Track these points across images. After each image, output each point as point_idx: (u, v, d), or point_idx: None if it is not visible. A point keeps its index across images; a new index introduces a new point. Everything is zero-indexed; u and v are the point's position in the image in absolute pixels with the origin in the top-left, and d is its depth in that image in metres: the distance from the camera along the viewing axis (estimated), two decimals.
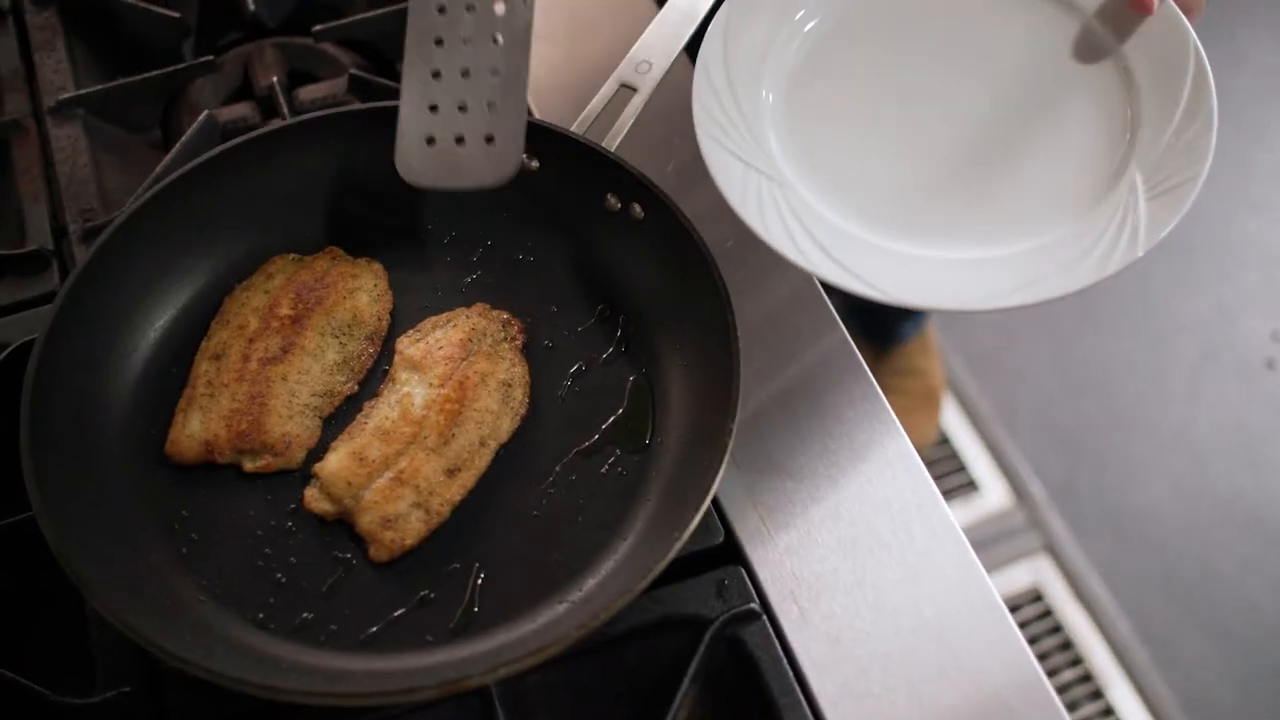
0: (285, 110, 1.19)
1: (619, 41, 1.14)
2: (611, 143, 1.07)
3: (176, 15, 1.26)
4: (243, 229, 1.08)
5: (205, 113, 1.17)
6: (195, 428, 0.98)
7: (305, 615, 0.92)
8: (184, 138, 1.15)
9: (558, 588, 0.93)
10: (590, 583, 0.93)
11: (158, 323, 1.04)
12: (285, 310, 1.03)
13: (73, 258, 1.12)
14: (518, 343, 1.02)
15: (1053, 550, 2.25)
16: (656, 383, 1.02)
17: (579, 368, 1.04)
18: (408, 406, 0.98)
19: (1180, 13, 1.02)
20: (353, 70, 1.21)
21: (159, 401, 1.01)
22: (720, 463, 0.91)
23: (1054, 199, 0.99)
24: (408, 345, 1.02)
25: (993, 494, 2.31)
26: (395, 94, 1.15)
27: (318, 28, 1.25)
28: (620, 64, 1.11)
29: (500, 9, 1.01)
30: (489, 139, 1.01)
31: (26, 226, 1.13)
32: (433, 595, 0.93)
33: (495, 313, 1.04)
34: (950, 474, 2.33)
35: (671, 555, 0.87)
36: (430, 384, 0.99)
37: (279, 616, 0.92)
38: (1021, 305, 0.93)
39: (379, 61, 1.31)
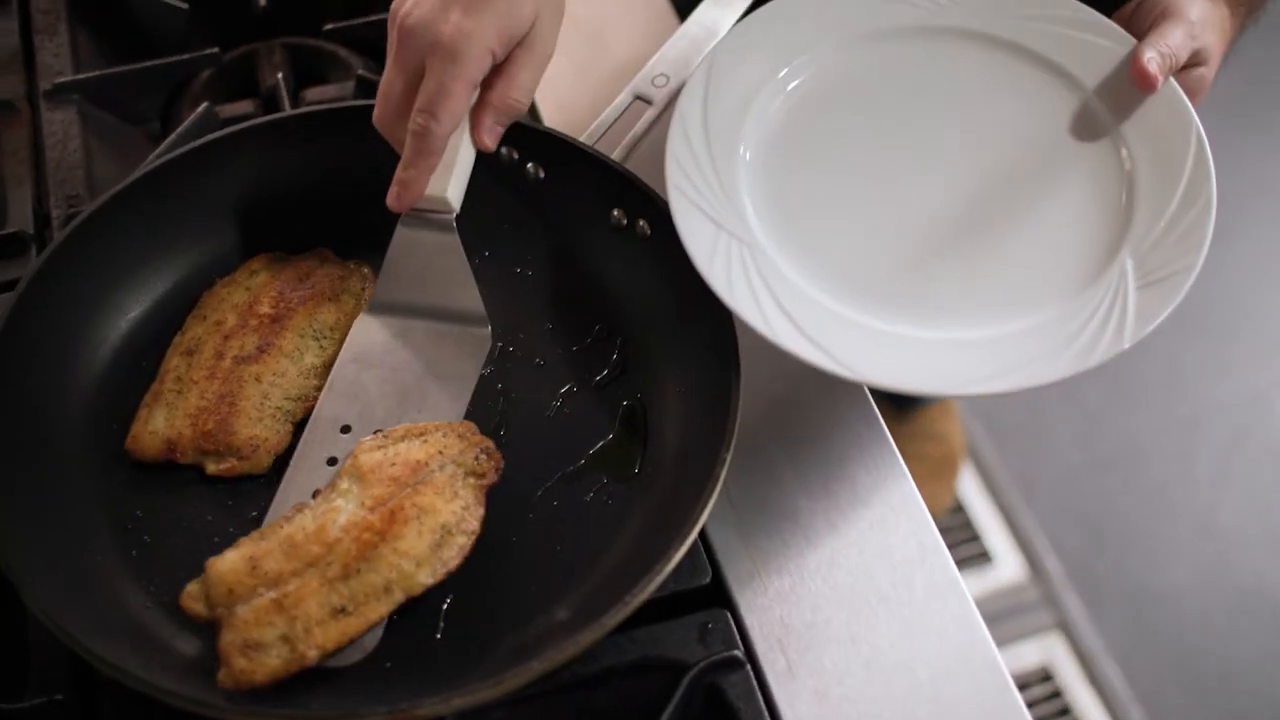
0: (288, 108, 1.14)
1: (638, 55, 1.10)
2: (621, 156, 1.02)
3: (184, 6, 1.23)
4: (230, 222, 1.03)
5: (204, 104, 1.13)
6: (159, 424, 0.93)
7: None
8: (180, 129, 1.11)
9: (528, 618, 0.86)
10: (562, 615, 0.86)
11: (131, 313, 0.99)
12: (265, 309, 0.97)
13: None
14: (485, 482, 0.89)
15: (1066, 629, 2.17)
16: (651, 409, 0.96)
17: (570, 389, 0.98)
18: (328, 523, 0.84)
19: (1183, 95, 0.97)
20: (360, 72, 1.16)
21: (125, 395, 0.96)
22: (710, 495, 0.85)
23: (1039, 282, 0.93)
24: (365, 451, 0.88)
25: (1006, 567, 2.23)
26: None
27: (328, 27, 1.21)
28: (636, 76, 1.06)
29: None
30: None
31: (9, 209, 1.09)
32: (396, 617, 0.86)
33: (477, 438, 0.91)
34: (963, 543, 2.25)
35: (650, 590, 0.82)
36: (362, 503, 0.85)
37: None
38: (997, 393, 0.87)
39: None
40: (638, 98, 1.05)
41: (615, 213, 1.01)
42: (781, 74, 1.03)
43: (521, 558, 0.89)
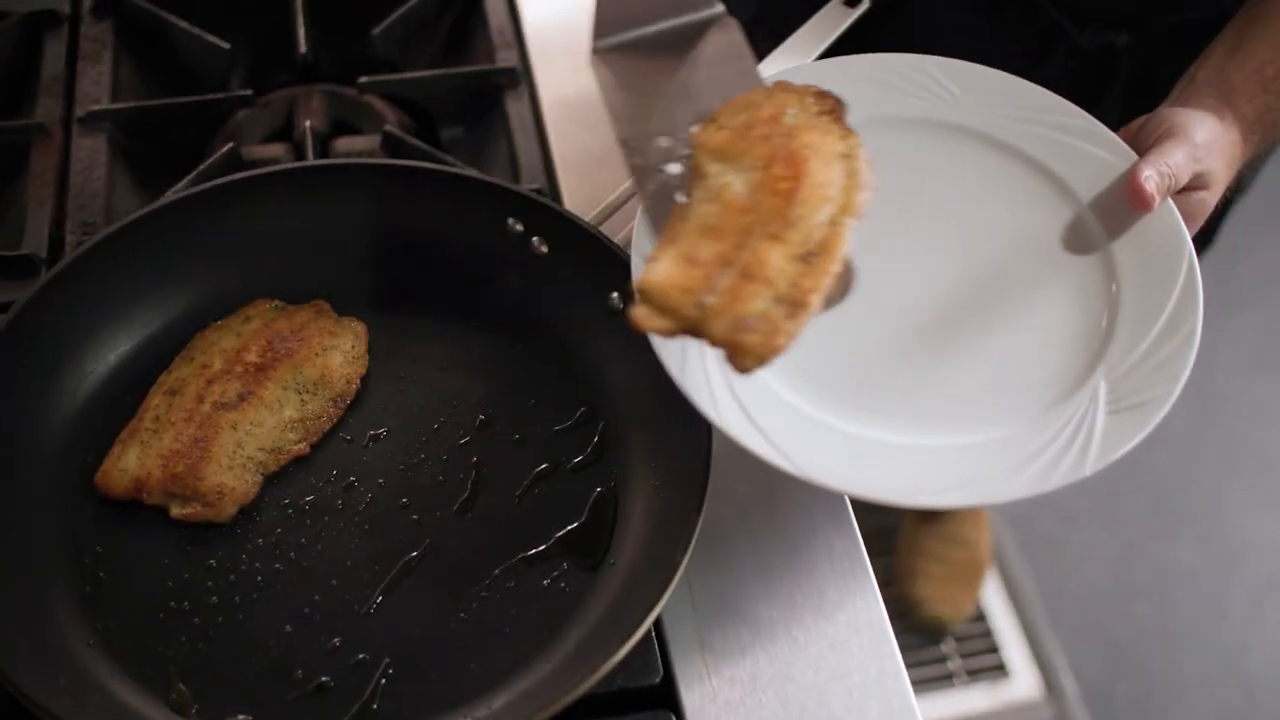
0: (311, 157, 1.15)
1: None
2: (626, 238, 1.01)
3: (226, 46, 1.24)
4: (231, 266, 1.03)
5: (230, 145, 1.14)
6: (131, 462, 0.93)
7: (188, 683, 0.85)
8: (202, 166, 1.12)
9: (466, 700, 0.85)
10: (501, 701, 0.85)
11: (121, 348, 1.00)
12: (252, 357, 0.97)
13: None
14: (837, 112, 0.86)
15: None
16: (622, 499, 0.95)
17: (545, 469, 0.97)
18: (729, 197, 0.81)
19: (1180, 218, 0.94)
20: (387, 128, 1.17)
21: (104, 428, 0.96)
22: (661, 596, 0.83)
23: (1004, 396, 0.90)
24: (708, 134, 0.86)
25: (1022, 682, 2.17)
26: (424, 156, 1.12)
27: (362, 80, 1.21)
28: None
29: None
30: None
31: (26, 230, 1.10)
32: (332, 684, 0.86)
33: (798, 87, 0.88)
34: (980, 654, 2.20)
35: (591, 683, 0.81)
36: (753, 167, 0.82)
37: (160, 673, 0.85)
38: (946, 507, 0.84)
39: (424, 123, 1.27)
40: None
41: (613, 295, 1.00)
42: None
43: (467, 635, 0.88)
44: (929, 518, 2.17)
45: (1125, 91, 1.32)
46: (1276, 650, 2.26)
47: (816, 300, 0.76)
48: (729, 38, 0.95)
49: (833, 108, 0.86)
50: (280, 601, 0.89)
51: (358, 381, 1.00)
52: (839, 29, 1.11)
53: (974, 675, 2.17)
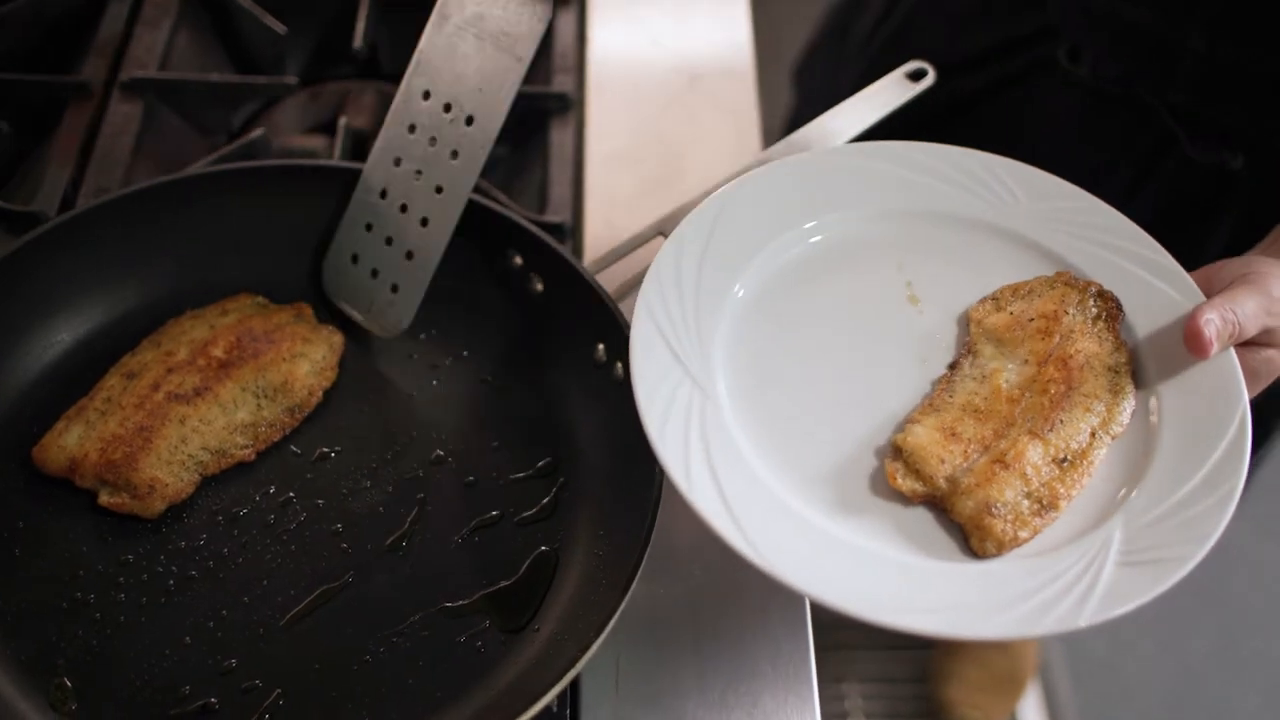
0: (338, 153, 1.12)
1: (709, 187, 1.03)
2: (623, 291, 0.97)
3: (282, 30, 1.22)
4: (219, 256, 1.01)
5: (260, 130, 1.11)
6: (71, 440, 0.90)
7: (73, 679, 0.82)
8: (226, 149, 1.10)
9: None
10: None
11: (94, 321, 0.98)
12: (218, 351, 0.94)
13: None
14: (1115, 320, 0.89)
15: None
16: (561, 564, 0.89)
17: (490, 516, 0.92)
18: (998, 385, 0.86)
19: (1239, 371, 0.85)
20: None
21: (54, 401, 0.94)
22: (560, 679, 0.78)
23: None
24: (987, 314, 0.90)
25: None
26: None
27: None
28: (668, 212, 1.00)
29: (453, 168, 0.96)
30: (394, 288, 0.97)
31: (42, 187, 1.08)
32: (217, 706, 0.82)
33: (1082, 283, 0.90)
34: None
35: None
36: (1025, 361, 0.87)
37: (47, 663, 0.82)
38: (912, 631, 0.76)
39: None
40: (661, 234, 0.99)
41: (599, 348, 0.95)
42: (809, 225, 0.95)
43: (367, 680, 0.83)
44: None
45: (1233, 224, 1.23)
46: None
47: (1065, 506, 0.81)
48: None
49: (1111, 311, 0.89)
50: (186, 610, 0.86)
51: (320, 394, 0.96)
52: (894, 103, 1.04)
53: None
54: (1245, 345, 0.87)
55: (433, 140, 0.96)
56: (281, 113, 1.22)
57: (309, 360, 0.96)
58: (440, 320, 1.00)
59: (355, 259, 0.99)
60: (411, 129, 0.97)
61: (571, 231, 1.11)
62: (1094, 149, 1.27)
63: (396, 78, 1.23)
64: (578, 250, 1.10)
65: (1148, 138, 1.23)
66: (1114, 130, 1.25)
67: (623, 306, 0.94)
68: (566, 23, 1.27)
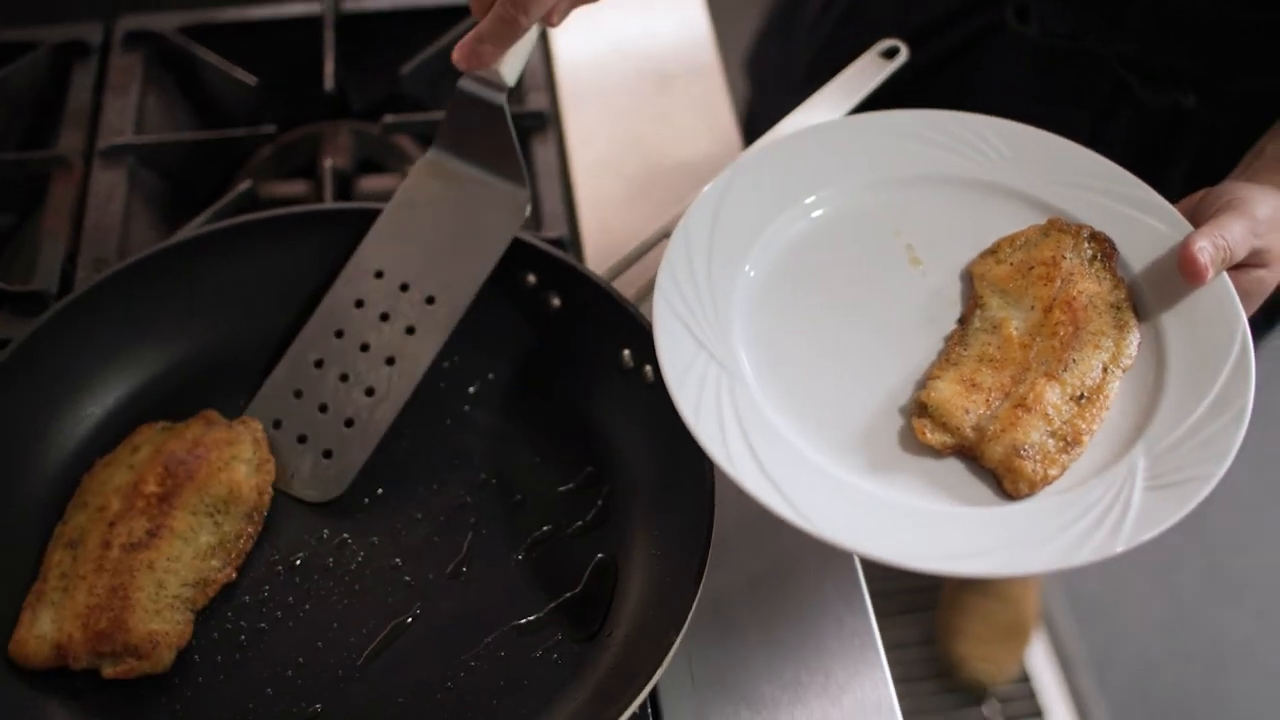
0: (329, 195, 1.13)
1: (696, 184, 1.05)
2: (640, 295, 0.98)
3: (253, 81, 1.22)
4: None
5: (247, 183, 1.12)
6: (46, 626, 0.85)
7: None
8: (216, 205, 1.10)
9: None
10: None
11: (115, 392, 0.97)
12: (152, 487, 0.90)
13: None
14: (1111, 260, 0.92)
15: None
16: (622, 568, 0.91)
17: (545, 532, 0.93)
18: (1009, 332, 0.89)
19: (1234, 294, 0.88)
20: (407, 168, 1.14)
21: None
22: (650, 678, 0.79)
23: None
24: (987, 266, 0.93)
25: None
26: None
27: (387, 119, 1.19)
28: (672, 213, 1.02)
29: (408, 343, 0.96)
30: (327, 454, 0.95)
31: (39, 265, 1.08)
32: None
33: (1073, 227, 0.93)
34: (1024, 717, 2.13)
35: None
36: (1031, 307, 0.90)
37: None
38: (962, 574, 0.79)
39: None
40: (667, 236, 1.00)
41: (625, 353, 0.97)
42: (809, 200, 0.98)
43: (451, 708, 0.85)
44: None
45: (1192, 159, 1.27)
46: None
47: (1088, 441, 0.84)
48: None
49: (1106, 251, 0.92)
50: (263, 663, 0.86)
51: (270, 491, 0.93)
52: (872, 83, 1.07)
53: None
54: (1236, 268, 0.91)
55: (384, 316, 0.96)
56: (259, 162, 1.22)
57: (242, 461, 0.93)
58: (461, 348, 1.01)
59: (278, 424, 0.96)
60: (359, 304, 0.97)
61: (570, 244, 1.12)
62: (1050, 105, 1.30)
63: (367, 116, 1.25)
64: (580, 261, 1.12)
65: (1101, 88, 1.26)
66: (1067, 85, 1.29)
67: (641, 310, 0.96)
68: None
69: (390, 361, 0.96)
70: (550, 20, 0.93)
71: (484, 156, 0.98)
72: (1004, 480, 0.83)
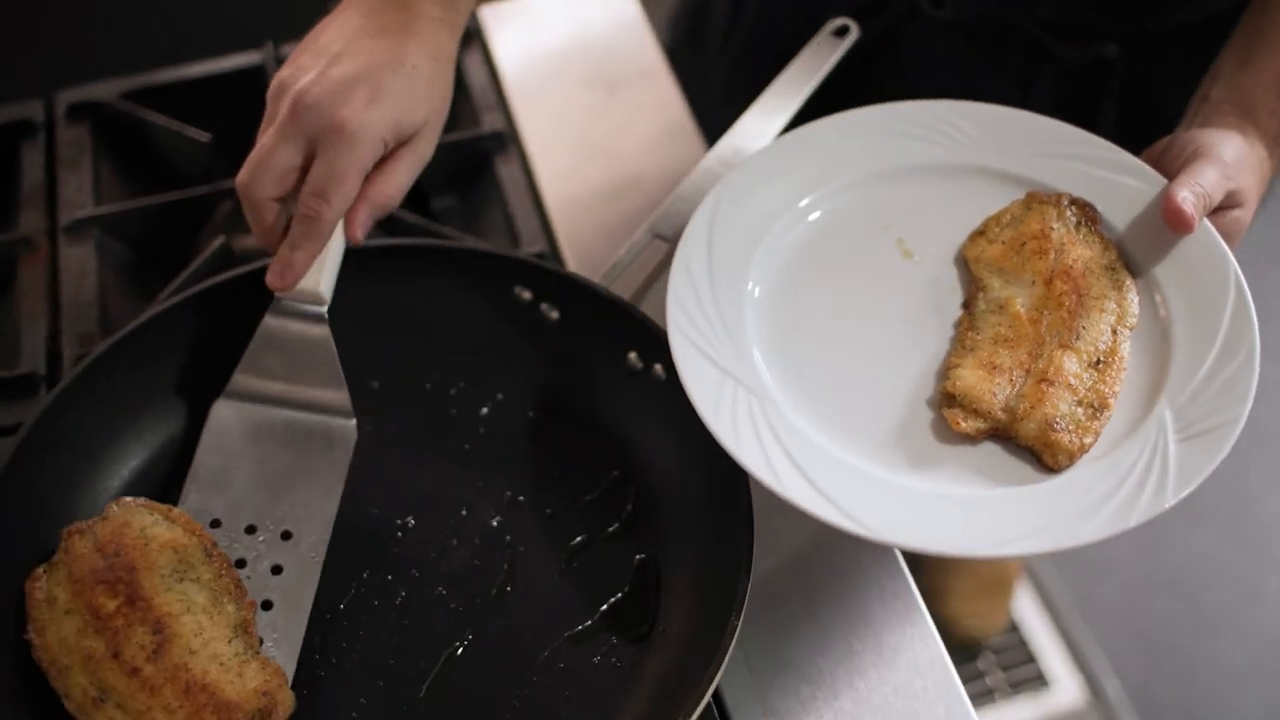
0: None
1: (664, 186, 1.07)
2: (638, 297, 0.99)
3: (206, 138, 1.22)
4: (229, 368, 0.98)
5: (220, 239, 1.11)
6: None
7: None
8: (193, 265, 1.09)
9: None
10: None
11: (131, 462, 0.96)
12: (111, 604, 0.82)
13: None
14: (1095, 224, 0.94)
15: None
16: (664, 564, 0.92)
17: (581, 541, 0.94)
18: (1016, 310, 0.91)
19: (1219, 238, 0.91)
20: None
21: None
22: (718, 665, 0.81)
23: None
24: (980, 248, 0.95)
25: (1065, 691, 2.14)
26: (418, 231, 1.10)
27: None
28: (655, 212, 1.03)
29: (275, 577, 0.89)
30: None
31: (22, 349, 1.07)
32: None
33: (1055, 196, 0.95)
34: (1018, 665, 2.17)
35: None
36: (1031, 283, 0.92)
37: None
38: (1026, 554, 0.81)
39: (413, 194, 1.24)
40: (656, 236, 1.02)
41: (631, 356, 0.98)
42: (803, 202, 0.99)
43: None
44: None
45: (1119, 104, 1.30)
46: None
47: (1114, 404, 0.86)
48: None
49: (1089, 215, 0.95)
50: (327, 709, 0.86)
51: (196, 525, 0.88)
52: (829, 62, 1.09)
53: (1015, 688, 2.14)
54: (1213, 213, 0.94)
55: (240, 562, 0.89)
56: (221, 218, 1.22)
57: (159, 523, 0.86)
58: (466, 372, 1.02)
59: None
60: (207, 554, 0.86)
61: (551, 257, 1.13)
62: (975, 78, 1.32)
63: None
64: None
65: (1021, 56, 1.29)
66: (989, 57, 1.31)
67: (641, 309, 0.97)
68: (474, 63, 1.29)
69: (267, 606, 0.88)
70: (353, 233, 0.95)
71: (299, 388, 0.94)
72: (1043, 455, 0.85)
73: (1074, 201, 0.95)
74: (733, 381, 0.88)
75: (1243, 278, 0.89)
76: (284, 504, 0.91)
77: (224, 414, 0.94)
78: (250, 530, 0.90)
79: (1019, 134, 1.00)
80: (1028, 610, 2.23)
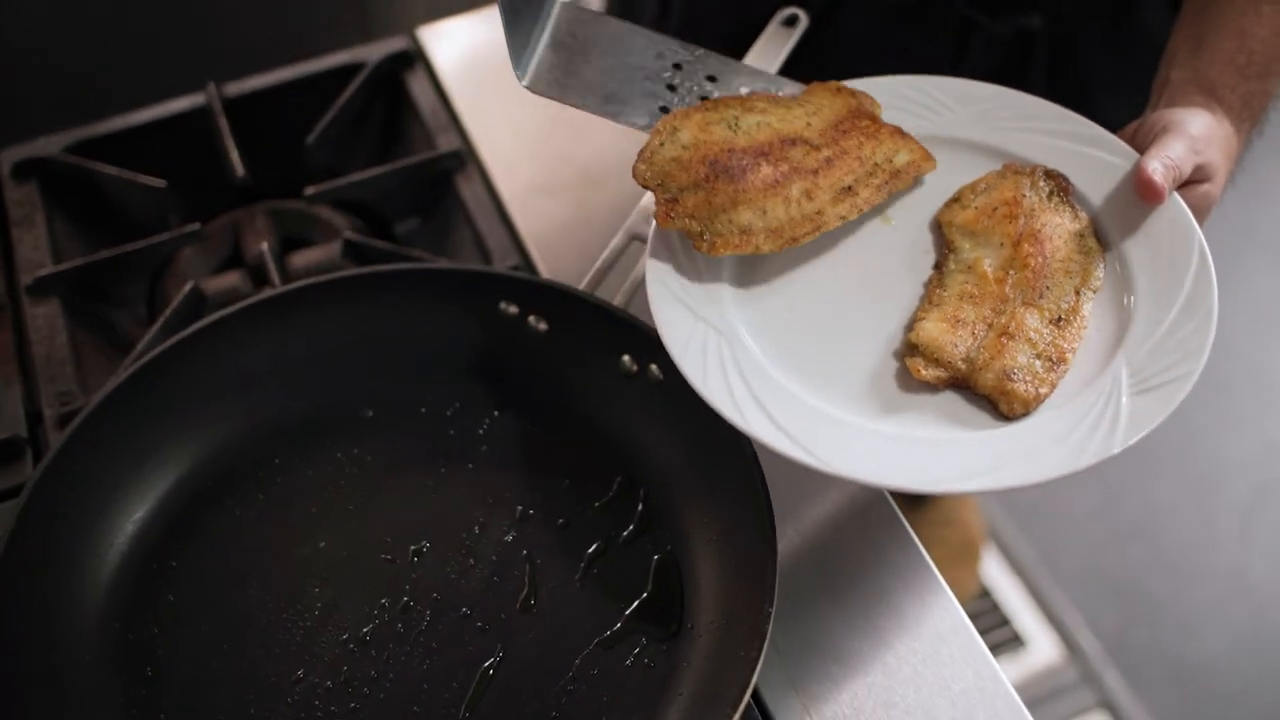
0: (276, 278, 1.12)
1: (630, 194, 1.07)
2: (624, 300, 1.00)
3: (161, 184, 1.20)
4: (225, 406, 0.99)
5: (190, 284, 1.10)
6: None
7: None
8: (166, 313, 1.08)
9: None
10: None
11: (135, 514, 0.95)
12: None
13: (49, 445, 1.03)
14: (1067, 194, 0.96)
15: (1110, 708, 2.12)
16: (684, 561, 0.93)
17: (597, 548, 0.94)
18: (983, 269, 0.93)
19: (1186, 208, 0.94)
20: (347, 234, 1.14)
21: (135, 601, 0.92)
22: (759, 651, 0.81)
23: None
24: (952, 212, 0.97)
25: (1041, 649, 2.18)
26: (392, 257, 1.10)
27: (310, 190, 1.18)
28: (630, 215, 1.03)
29: None
30: None
31: (1, 413, 1.05)
32: None
33: (1030, 168, 0.98)
34: (994, 629, 2.20)
35: None
36: (999, 245, 0.94)
37: None
38: (975, 491, 0.84)
39: (374, 223, 1.24)
40: (634, 238, 1.02)
41: (625, 359, 0.98)
42: None
43: None
44: (917, 504, 2.17)
45: (1047, 76, 1.33)
46: (1274, 560, 2.30)
47: (1071, 359, 0.89)
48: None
49: (1061, 186, 0.97)
50: None
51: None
52: (784, 50, 1.10)
53: (993, 651, 2.15)
54: (1183, 186, 0.97)
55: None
56: (184, 262, 1.20)
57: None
58: (460, 392, 1.02)
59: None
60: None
61: (526, 270, 1.13)
62: (907, 54, 1.34)
63: (278, 194, 1.24)
64: None
65: (948, 30, 1.32)
66: (919, 32, 1.33)
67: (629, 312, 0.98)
68: (421, 86, 1.28)
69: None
70: None
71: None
72: (1000, 404, 0.87)
73: (1048, 173, 0.97)
74: (705, 325, 0.90)
75: (1206, 246, 0.92)
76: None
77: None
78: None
79: (995, 107, 1.02)
80: (997, 574, 2.26)
